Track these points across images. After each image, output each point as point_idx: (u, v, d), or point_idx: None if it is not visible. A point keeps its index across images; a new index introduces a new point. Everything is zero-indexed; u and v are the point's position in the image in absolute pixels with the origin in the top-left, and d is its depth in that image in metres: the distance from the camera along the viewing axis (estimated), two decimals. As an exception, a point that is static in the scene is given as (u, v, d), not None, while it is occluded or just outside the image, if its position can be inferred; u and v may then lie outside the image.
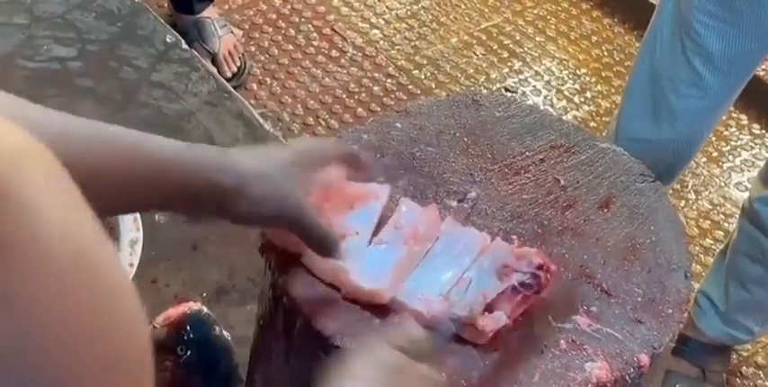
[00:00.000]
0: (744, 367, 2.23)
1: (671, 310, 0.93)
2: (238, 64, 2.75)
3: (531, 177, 1.05)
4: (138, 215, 1.32)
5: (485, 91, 2.74)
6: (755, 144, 2.75)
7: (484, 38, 2.99)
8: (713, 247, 2.46)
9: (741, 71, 1.88)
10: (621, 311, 0.93)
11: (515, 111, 1.13)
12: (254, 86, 2.77)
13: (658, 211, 1.03)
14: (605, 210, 1.02)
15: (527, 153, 1.08)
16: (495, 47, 2.97)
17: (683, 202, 2.59)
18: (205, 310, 1.17)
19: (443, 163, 1.06)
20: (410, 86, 2.81)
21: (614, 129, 2.05)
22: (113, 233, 1.31)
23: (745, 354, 2.26)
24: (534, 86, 2.86)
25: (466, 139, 1.09)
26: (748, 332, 2.05)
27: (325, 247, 0.87)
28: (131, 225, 1.31)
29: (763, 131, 2.78)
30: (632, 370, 0.88)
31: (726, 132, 2.76)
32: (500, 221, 1.00)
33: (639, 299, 0.94)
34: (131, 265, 1.27)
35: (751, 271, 1.95)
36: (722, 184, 2.64)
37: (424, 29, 3.00)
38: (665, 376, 2.11)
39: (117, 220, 1.31)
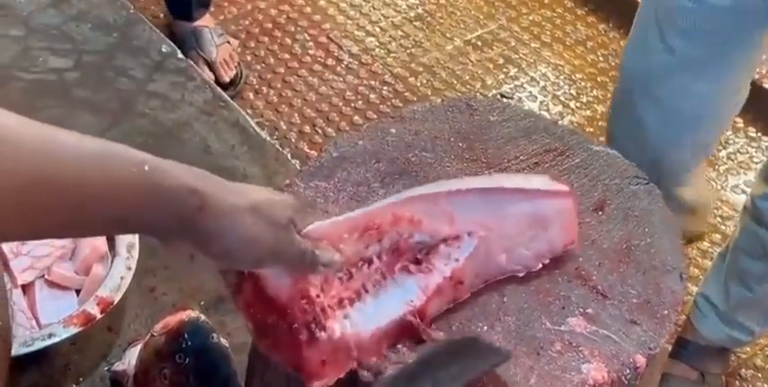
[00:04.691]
0: (743, 370, 2.23)
1: (666, 312, 0.94)
2: (235, 72, 2.75)
3: (525, 181, 1.06)
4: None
5: (480, 97, 2.74)
6: (752, 147, 2.76)
7: (479, 44, 3.00)
8: (710, 250, 2.46)
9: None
10: (617, 313, 0.93)
11: (509, 115, 1.13)
12: (251, 96, 2.77)
13: (653, 214, 1.04)
14: (600, 212, 1.03)
15: (521, 157, 1.08)
16: (491, 53, 2.98)
17: (681, 205, 2.59)
18: (203, 317, 1.17)
19: (438, 168, 1.06)
20: (406, 94, 2.81)
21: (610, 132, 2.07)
22: (112, 239, 1.31)
23: (743, 356, 2.26)
24: (530, 92, 2.87)
25: (461, 143, 1.09)
26: (749, 333, 2.05)
27: (306, 265, 0.82)
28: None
29: (759, 134, 2.79)
30: (628, 371, 0.89)
31: (722, 136, 2.77)
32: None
33: (635, 300, 0.94)
34: (129, 268, 1.28)
35: (753, 268, 1.95)
36: (719, 187, 2.64)
37: (420, 36, 3.01)
38: (664, 379, 2.10)
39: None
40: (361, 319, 0.84)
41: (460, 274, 0.90)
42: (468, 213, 0.90)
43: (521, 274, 0.94)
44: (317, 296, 0.82)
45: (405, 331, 0.87)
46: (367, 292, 0.85)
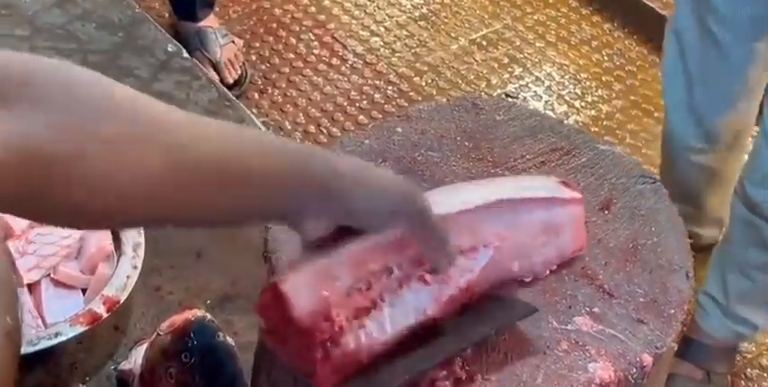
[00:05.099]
0: (748, 369, 2.23)
1: (673, 311, 0.94)
2: (239, 72, 2.76)
3: (531, 180, 1.05)
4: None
5: (485, 96, 2.74)
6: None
7: (484, 44, 3.00)
8: (715, 249, 2.46)
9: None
10: (624, 312, 0.93)
11: (515, 114, 1.13)
12: (256, 95, 2.78)
13: (659, 213, 1.03)
14: (606, 211, 1.03)
15: (528, 156, 1.08)
16: (496, 53, 2.98)
17: (686, 205, 2.58)
18: (209, 316, 1.17)
19: (445, 167, 1.06)
20: (411, 93, 2.82)
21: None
22: (118, 238, 1.32)
23: (749, 356, 2.26)
24: (535, 92, 2.87)
25: (467, 142, 1.09)
26: (752, 327, 2.06)
27: (443, 248, 0.84)
28: (133, 230, 1.32)
29: (765, 134, 2.79)
30: (635, 370, 0.89)
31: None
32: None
33: (641, 299, 0.94)
34: (135, 267, 1.28)
35: (752, 258, 1.95)
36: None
37: (425, 36, 3.01)
38: (670, 378, 2.11)
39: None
40: (376, 328, 0.84)
41: (474, 284, 0.89)
42: (487, 225, 0.90)
43: (527, 280, 0.94)
44: (337, 315, 0.81)
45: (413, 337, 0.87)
46: (383, 301, 0.85)
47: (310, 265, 0.82)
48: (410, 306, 0.86)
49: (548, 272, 0.95)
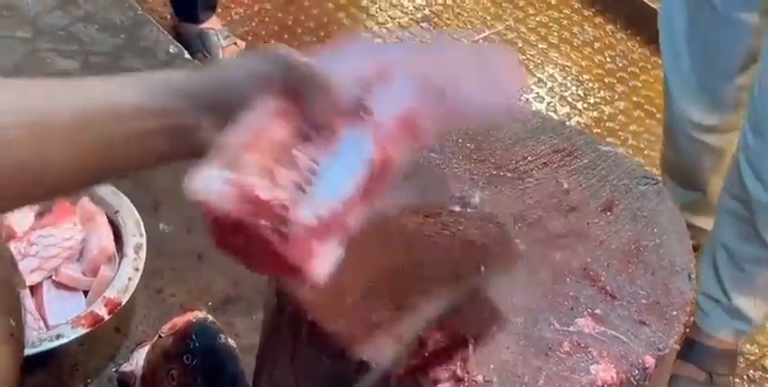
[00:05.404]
0: (751, 371, 2.23)
1: (675, 312, 0.94)
2: (241, 74, 2.75)
3: (533, 181, 1.05)
4: (140, 221, 1.33)
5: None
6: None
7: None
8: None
9: None
10: (626, 314, 0.93)
11: (517, 115, 1.13)
12: (258, 97, 2.78)
13: (661, 214, 1.03)
14: (608, 213, 1.03)
15: (530, 157, 1.08)
16: (498, 54, 2.98)
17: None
18: (210, 318, 1.17)
19: (447, 169, 1.06)
20: (413, 95, 2.82)
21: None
22: (119, 240, 1.32)
23: (752, 357, 2.26)
24: (537, 93, 2.87)
25: (469, 144, 1.09)
26: (749, 321, 2.05)
27: (325, 86, 0.79)
28: (135, 230, 1.32)
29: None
30: (637, 372, 0.89)
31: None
32: (504, 226, 1.00)
33: (644, 301, 0.94)
34: (137, 269, 1.28)
35: (743, 250, 1.94)
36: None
37: (427, 37, 3.01)
38: (672, 380, 2.10)
39: (121, 227, 1.32)
40: (323, 192, 0.76)
41: (411, 115, 0.81)
42: (400, 54, 0.84)
43: (477, 114, 0.88)
44: (269, 196, 0.73)
45: (376, 183, 0.80)
46: (318, 164, 0.78)
47: (209, 164, 0.75)
48: (348, 157, 0.79)
49: (499, 112, 0.90)
